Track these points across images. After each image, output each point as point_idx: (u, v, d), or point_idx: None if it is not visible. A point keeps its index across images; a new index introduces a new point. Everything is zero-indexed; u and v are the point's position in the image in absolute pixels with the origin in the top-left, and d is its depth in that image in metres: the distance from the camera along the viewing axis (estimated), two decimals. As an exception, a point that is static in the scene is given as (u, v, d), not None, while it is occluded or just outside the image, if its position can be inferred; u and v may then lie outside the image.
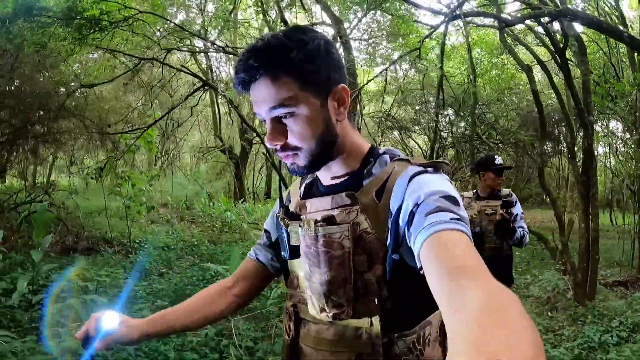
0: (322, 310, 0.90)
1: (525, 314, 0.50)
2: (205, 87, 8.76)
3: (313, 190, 1.03)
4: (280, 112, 0.85)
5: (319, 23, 10.18)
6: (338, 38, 6.12)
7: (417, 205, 0.77)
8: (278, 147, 0.88)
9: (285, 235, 1.01)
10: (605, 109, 7.36)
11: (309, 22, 10.76)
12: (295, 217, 0.98)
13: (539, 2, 5.58)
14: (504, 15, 5.55)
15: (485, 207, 3.24)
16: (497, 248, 3.17)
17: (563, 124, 12.51)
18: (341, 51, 7.12)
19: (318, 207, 0.94)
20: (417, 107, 14.21)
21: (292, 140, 0.87)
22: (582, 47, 5.15)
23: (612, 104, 6.86)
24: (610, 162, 10.24)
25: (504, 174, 3.29)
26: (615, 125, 11.20)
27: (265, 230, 1.16)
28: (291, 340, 0.99)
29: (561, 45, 5.03)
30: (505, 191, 3.29)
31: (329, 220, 0.88)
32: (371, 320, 0.85)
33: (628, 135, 8.93)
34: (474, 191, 3.43)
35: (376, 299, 0.85)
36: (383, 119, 13.30)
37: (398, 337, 0.85)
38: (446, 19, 4.40)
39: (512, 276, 3.35)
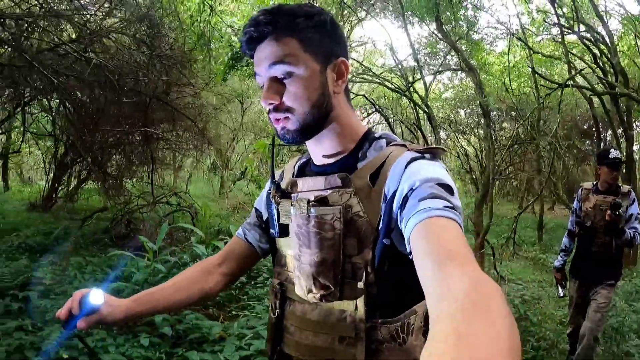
0: (309, 291, 0.90)
1: (506, 306, 0.51)
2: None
3: (306, 169, 1.02)
4: (279, 69, 0.85)
5: (457, 69, 10.44)
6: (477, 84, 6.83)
7: (411, 190, 0.77)
8: (272, 106, 0.87)
9: (275, 212, 0.99)
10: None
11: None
12: (286, 194, 0.97)
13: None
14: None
15: (602, 202, 3.22)
16: (606, 244, 3.21)
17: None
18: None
19: (310, 186, 0.93)
20: (468, 110, 15.81)
21: (287, 100, 0.86)
22: (626, 80, 7.01)
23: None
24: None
25: (619, 169, 3.26)
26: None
27: (256, 209, 1.14)
28: (276, 318, 0.99)
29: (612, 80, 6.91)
30: (624, 188, 3.27)
31: (321, 201, 0.87)
32: (356, 304, 0.85)
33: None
34: (594, 183, 3.37)
35: (363, 283, 0.84)
36: (441, 122, 14.93)
37: (382, 324, 0.84)
38: (562, 85, 5.87)
39: (620, 272, 3.35)
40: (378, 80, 7.84)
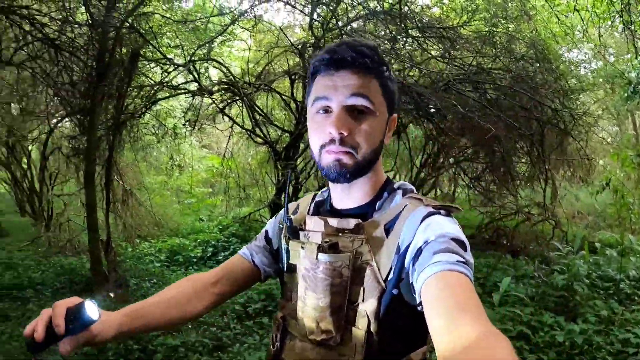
0: (311, 333, 0.91)
1: (514, 355, 0.54)
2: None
3: (321, 208, 1.02)
4: (359, 101, 0.86)
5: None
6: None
7: (426, 243, 0.79)
8: (340, 137, 0.86)
9: (284, 251, 1.01)
10: None
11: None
12: (296, 233, 0.98)
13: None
14: None
15: None
16: None
17: None
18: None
19: (322, 226, 0.93)
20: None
21: (358, 136, 0.86)
22: None
23: None
24: None
25: None
26: None
27: (267, 232, 1.12)
28: (275, 352, 0.99)
29: None
30: None
31: (332, 247, 0.88)
32: (355, 350, 0.86)
33: None
34: None
35: (364, 331, 0.85)
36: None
37: None
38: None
39: None
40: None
